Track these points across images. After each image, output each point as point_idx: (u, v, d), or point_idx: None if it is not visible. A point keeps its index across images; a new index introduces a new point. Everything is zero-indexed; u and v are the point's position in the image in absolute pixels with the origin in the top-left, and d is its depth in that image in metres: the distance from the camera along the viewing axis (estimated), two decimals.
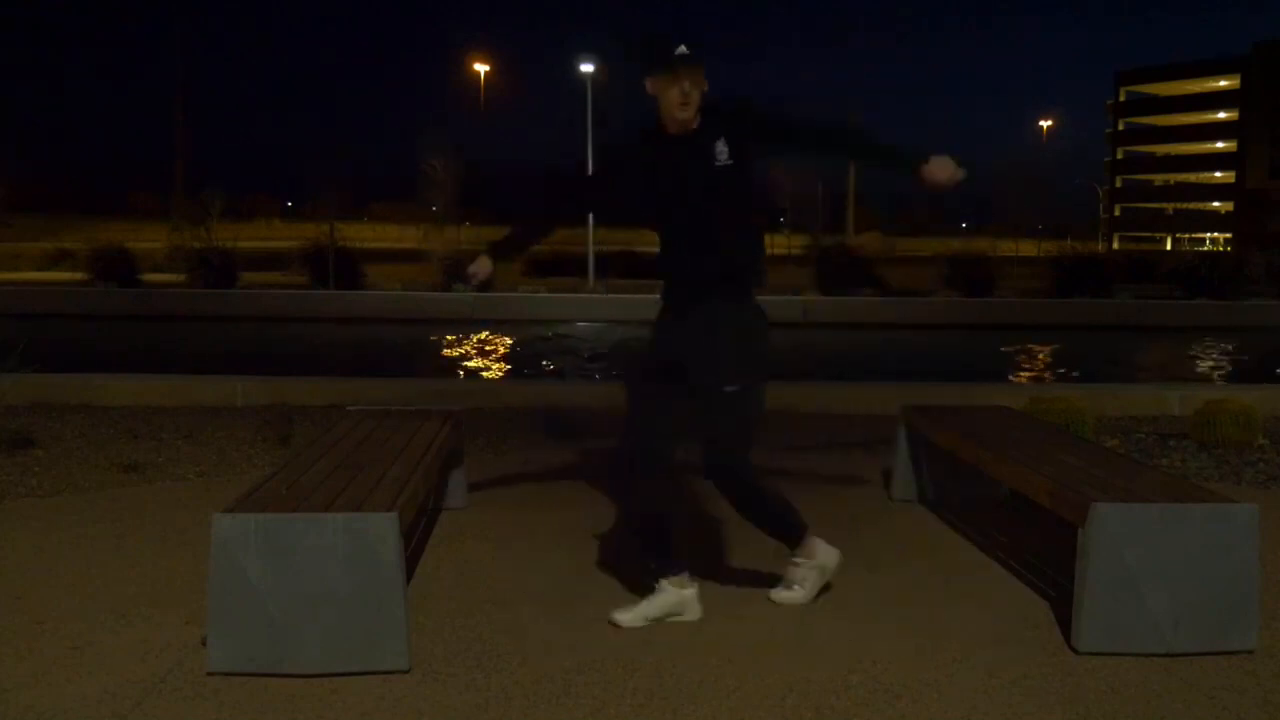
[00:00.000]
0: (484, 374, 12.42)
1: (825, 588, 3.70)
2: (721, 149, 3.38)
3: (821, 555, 3.67)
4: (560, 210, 3.89)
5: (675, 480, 3.68)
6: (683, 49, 3.32)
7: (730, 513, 4.76)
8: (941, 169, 3.36)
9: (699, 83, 3.36)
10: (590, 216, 19.87)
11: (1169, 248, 78.12)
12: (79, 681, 2.97)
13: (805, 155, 3.64)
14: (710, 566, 4.01)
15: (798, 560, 3.66)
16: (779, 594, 3.67)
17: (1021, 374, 13.13)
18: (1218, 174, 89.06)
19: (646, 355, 3.59)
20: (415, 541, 4.29)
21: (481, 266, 3.66)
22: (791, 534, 3.67)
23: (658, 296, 3.60)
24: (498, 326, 17.56)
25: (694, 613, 3.49)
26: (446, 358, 13.82)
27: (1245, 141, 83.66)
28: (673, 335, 3.51)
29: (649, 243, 3.85)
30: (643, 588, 3.54)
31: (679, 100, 3.34)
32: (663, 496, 3.53)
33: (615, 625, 3.40)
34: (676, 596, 3.47)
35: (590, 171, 3.61)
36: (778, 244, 32.31)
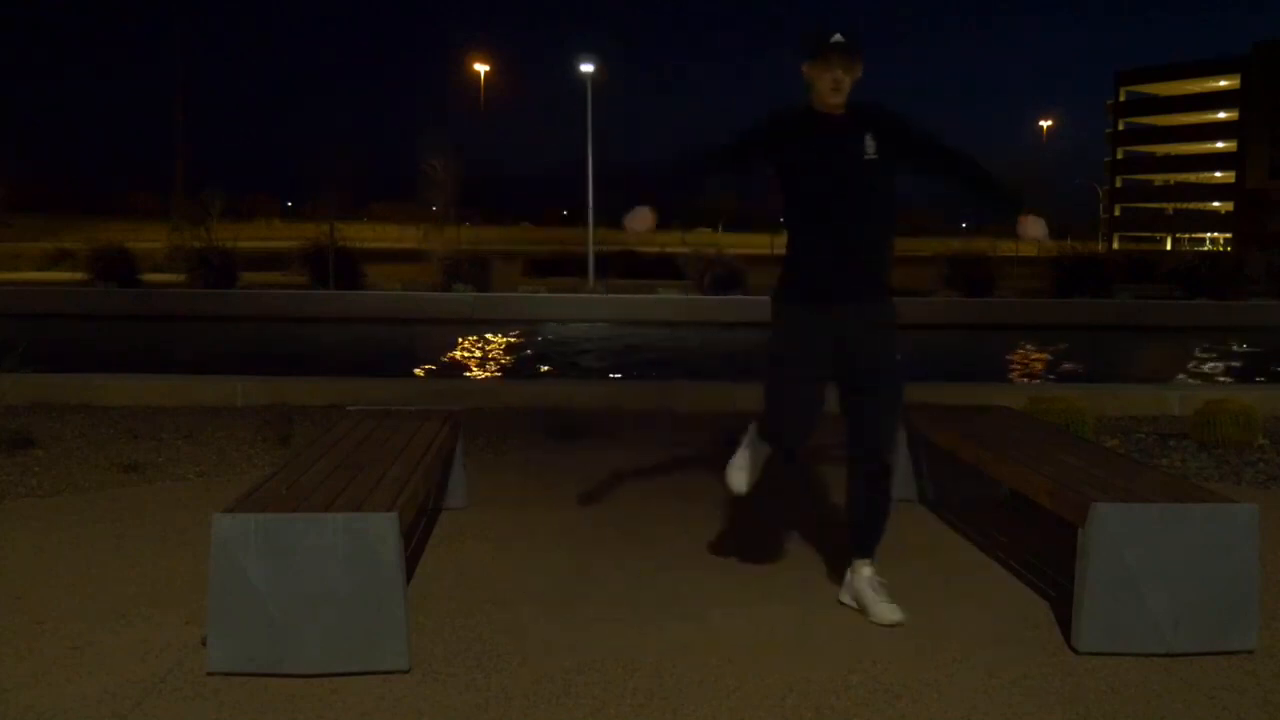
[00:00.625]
0: (484, 374, 12.42)
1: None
2: (870, 143, 3.45)
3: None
4: (705, 179, 3.87)
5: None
6: (838, 37, 3.39)
7: (729, 512, 4.76)
8: (1036, 227, 3.58)
9: (852, 70, 3.43)
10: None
11: (1169, 248, 78.11)
12: (79, 681, 2.97)
13: (926, 172, 3.65)
14: (710, 566, 4.02)
15: (867, 572, 3.61)
16: (885, 612, 3.50)
17: (1021, 374, 13.13)
18: (1218, 174, 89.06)
19: (794, 341, 3.55)
20: (415, 541, 4.29)
21: (642, 219, 3.57)
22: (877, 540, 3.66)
23: (777, 286, 3.62)
24: (498, 326, 17.56)
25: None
26: (446, 358, 13.82)
27: (1245, 141, 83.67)
28: (828, 324, 3.48)
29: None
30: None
31: (830, 86, 3.42)
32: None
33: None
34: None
35: (736, 143, 3.63)
36: (778, 244, 32.32)
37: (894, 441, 3.67)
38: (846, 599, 3.63)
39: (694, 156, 3.68)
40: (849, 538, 3.67)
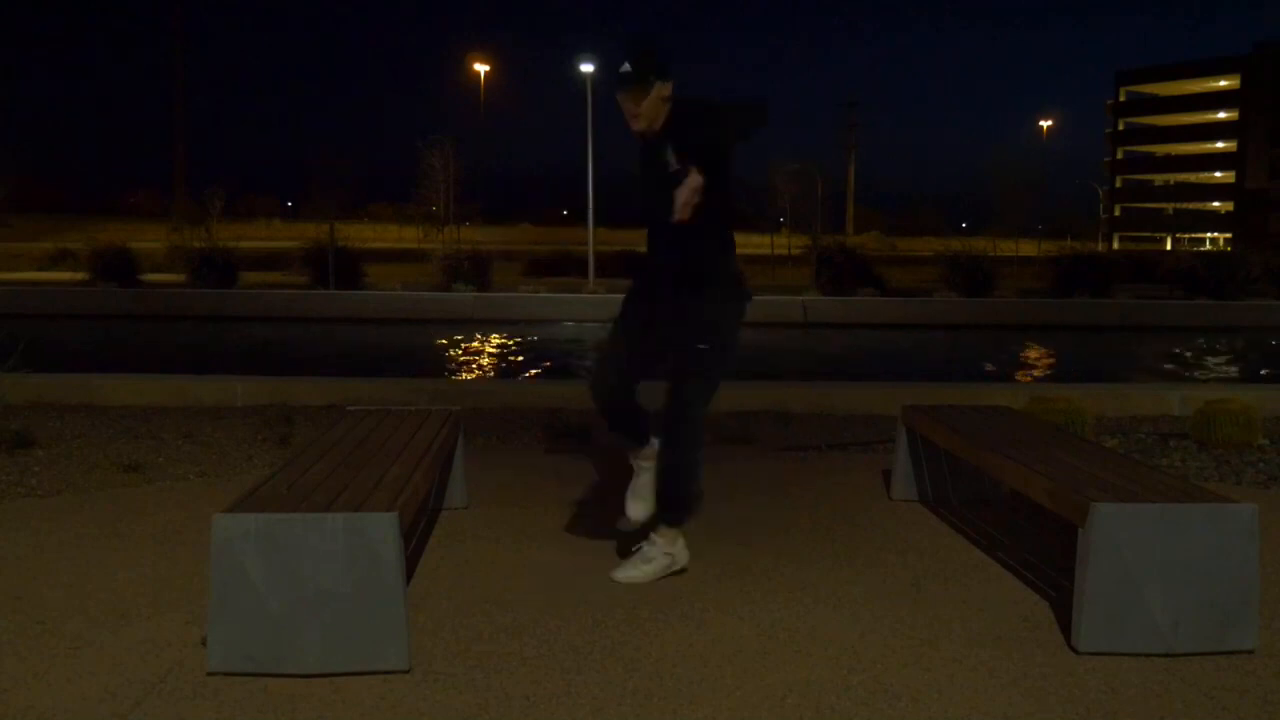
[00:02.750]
0: (484, 374, 12.42)
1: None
2: (670, 157, 3.58)
3: (681, 550, 3.88)
4: None
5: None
6: (626, 66, 3.53)
7: (730, 512, 4.76)
8: (692, 183, 3.55)
9: (638, 99, 3.58)
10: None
11: (1169, 248, 78.13)
12: (79, 681, 2.97)
13: (734, 141, 3.77)
14: (709, 566, 4.01)
15: (658, 540, 3.85)
16: (626, 573, 3.83)
17: (1021, 374, 13.13)
18: (1218, 174, 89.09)
19: (621, 324, 3.94)
20: (415, 541, 4.29)
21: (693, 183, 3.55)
22: (686, 511, 3.88)
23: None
24: (498, 326, 17.57)
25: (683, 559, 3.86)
26: (446, 357, 13.82)
27: (1245, 141, 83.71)
28: (648, 308, 3.85)
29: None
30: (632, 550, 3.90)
31: (629, 114, 3.63)
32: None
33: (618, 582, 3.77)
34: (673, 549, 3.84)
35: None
36: (778, 244, 32.32)
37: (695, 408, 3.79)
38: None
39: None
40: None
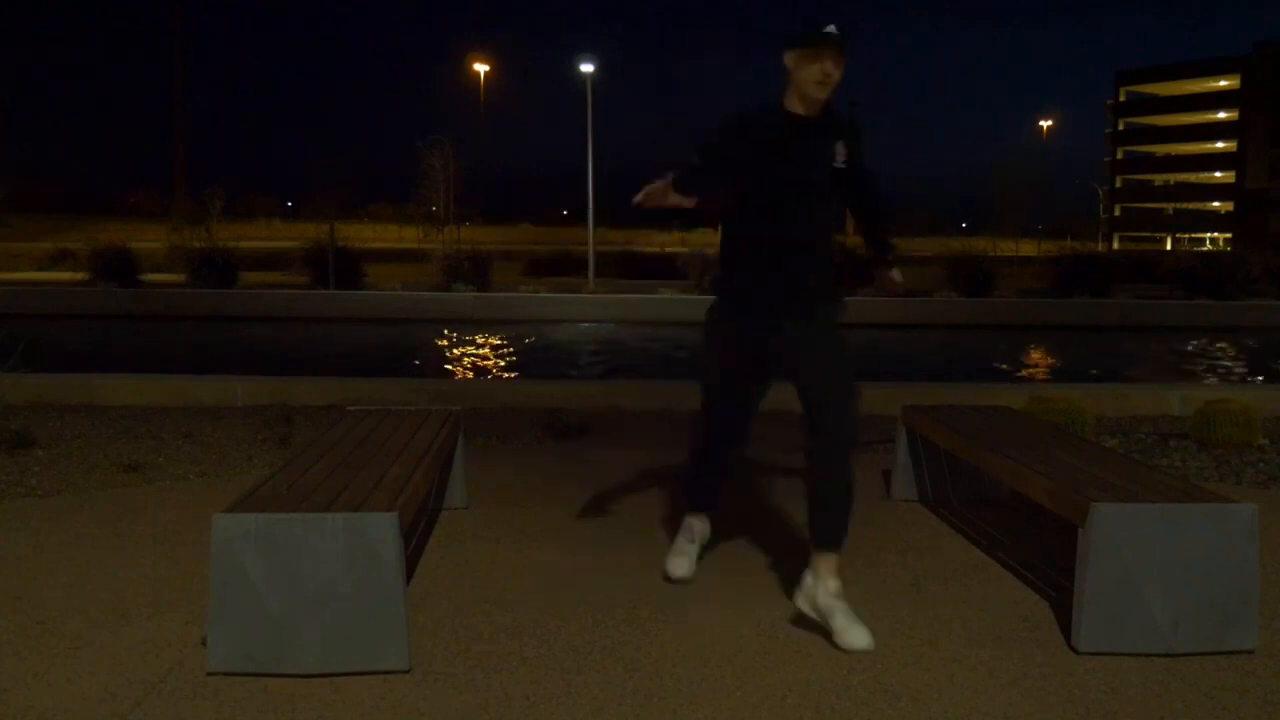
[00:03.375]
0: (484, 374, 12.42)
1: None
2: (840, 150, 3.43)
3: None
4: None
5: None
6: (832, 28, 3.30)
7: (730, 512, 4.76)
8: (895, 277, 3.78)
9: (840, 65, 3.33)
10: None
11: (1169, 248, 78.14)
12: (79, 681, 2.97)
13: (852, 196, 3.66)
14: (710, 566, 4.01)
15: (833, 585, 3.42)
16: (852, 638, 3.29)
17: (1021, 374, 13.13)
18: (1218, 174, 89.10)
19: (728, 348, 3.62)
20: (415, 541, 4.29)
21: (657, 189, 3.43)
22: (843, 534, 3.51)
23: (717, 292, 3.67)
24: (498, 326, 17.57)
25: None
26: (446, 357, 13.82)
27: (1245, 141, 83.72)
28: (767, 328, 3.51)
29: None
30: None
31: (818, 77, 3.31)
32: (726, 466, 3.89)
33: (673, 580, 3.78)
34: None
35: (703, 158, 3.50)
36: None
37: (855, 426, 3.60)
38: (806, 608, 3.39)
39: (690, 183, 3.49)
40: (811, 530, 3.49)
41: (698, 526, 3.96)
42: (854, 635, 3.25)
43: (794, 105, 3.40)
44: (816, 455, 3.51)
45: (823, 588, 3.37)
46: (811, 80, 3.32)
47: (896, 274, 3.80)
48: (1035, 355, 14.97)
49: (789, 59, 3.35)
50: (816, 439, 3.50)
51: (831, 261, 3.55)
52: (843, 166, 3.43)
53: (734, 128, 3.43)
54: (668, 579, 3.84)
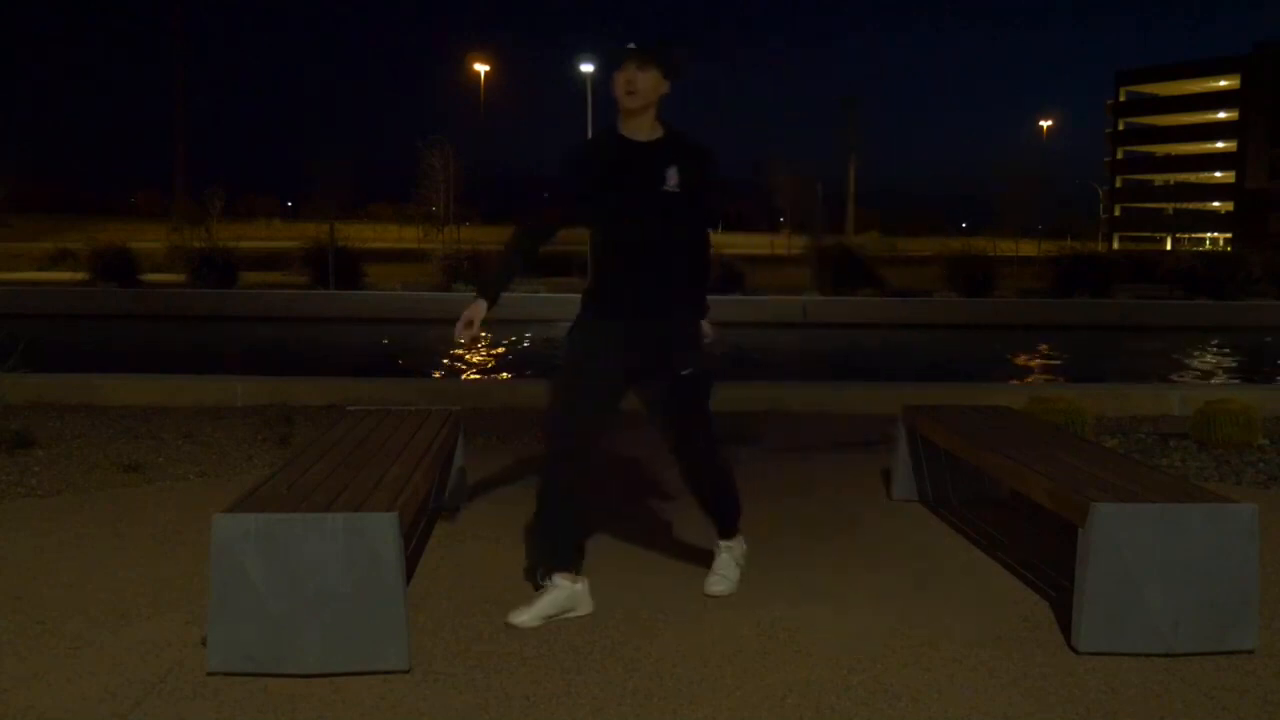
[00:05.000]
0: (483, 374, 12.42)
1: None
2: (673, 175, 3.50)
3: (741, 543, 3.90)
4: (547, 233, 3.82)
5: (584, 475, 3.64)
6: (632, 44, 3.47)
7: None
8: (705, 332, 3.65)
9: (643, 68, 3.45)
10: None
11: (1169, 248, 78.14)
12: (79, 681, 2.97)
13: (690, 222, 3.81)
14: (709, 566, 4.01)
15: (734, 548, 3.86)
16: (717, 586, 3.76)
17: (1021, 374, 13.13)
18: (1218, 174, 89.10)
19: (584, 350, 3.61)
20: (415, 541, 4.29)
21: (473, 319, 3.68)
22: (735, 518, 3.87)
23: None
24: (498, 326, 17.56)
25: (586, 607, 3.51)
26: (446, 357, 13.82)
27: (1245, 141, 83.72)
28: (621, 337, 3.56)
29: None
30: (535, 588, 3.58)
31: (623, 88, 3.48)
32: (577, 487, 3.55)
33: (512, 626, 3.39)
34: (568, 591, 3.48)
35: (560, 190, 3.72)
36: (777, 245, 32.32)
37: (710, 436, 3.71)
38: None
39: (535, 225, 3.74)
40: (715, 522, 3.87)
41: (722, 542, 3.90)
42: (710, 581, 3.76)
43: (626, 127, 3.55)
44: (683, 465, 3.73)
45: (720, 542, 3.85)
46: (620, 92, 3.50)
47: (706, 328, 3.67)
48: (1035, 355, 14.97)
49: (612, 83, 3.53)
50: (681, 453, 3.70)
51: (687, 273, 3.60)
52: (675, 191, 3.50)
53: (572, 159, 3.63)
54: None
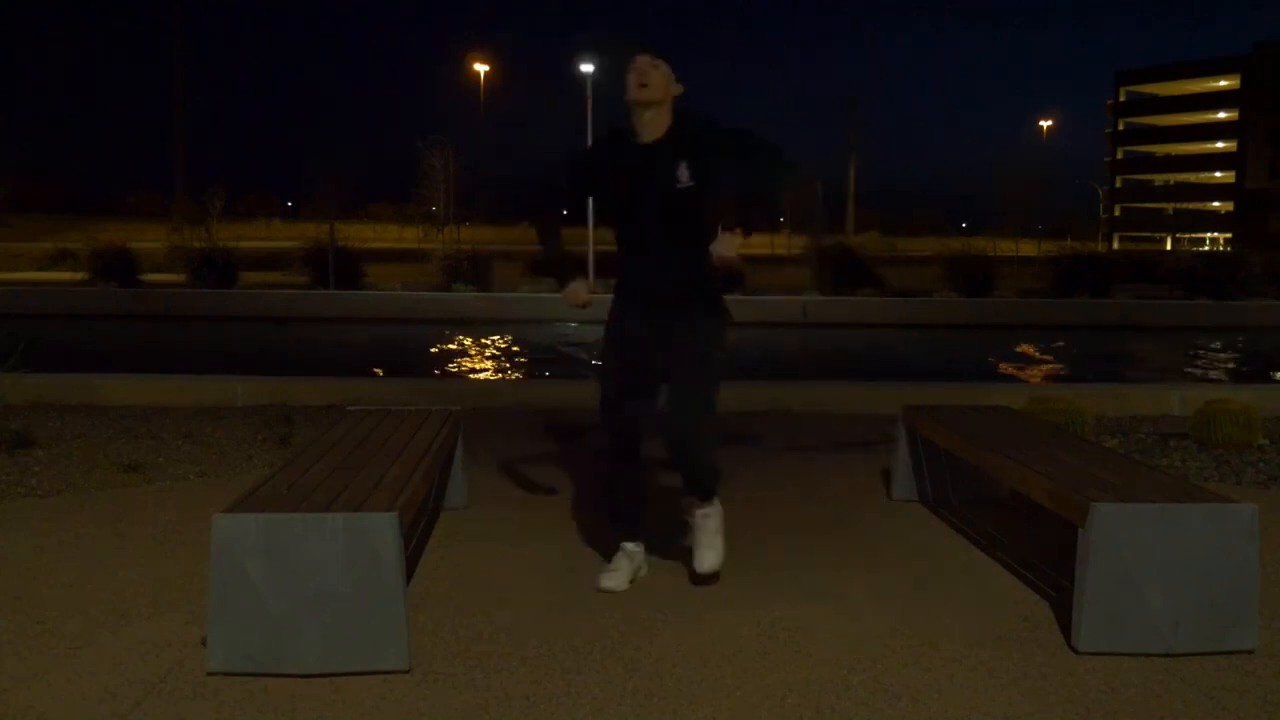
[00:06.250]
0: (484, 374, 12.42)
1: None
2: (684, 172, 3.54)
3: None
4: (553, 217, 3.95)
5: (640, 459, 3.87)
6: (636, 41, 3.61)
7: (730, 512, 4.76)
8: (725, 250, 3.65)
9: (657, 64, 3.54)
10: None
11: (1169, 248, 78.14)
12: (79, 681, 2.97)
13: (753, 177, 3.77)
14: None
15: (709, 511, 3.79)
16: (709, 559, 3.76)
17: (1021, 374, 13.13)
18: (1218, 174, 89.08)
19: (617, 344, 3.78)
20: (415, 541, 4.29)
21: (575, 294, 3.81)
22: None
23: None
24: (498, 326, 17.56)
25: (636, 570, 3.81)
26: (446, 357, 13.82)
27: (1245, 141, 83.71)
28: (643, 334, 3.72)
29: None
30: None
31: (639, 77, 3.54)
32: (634, 473, 3.84)
33: (604, 590, 3.68)
34: (640, 555, 3.83)
35: (566, 179, 3.88)
36: (777, 244, 32.32)
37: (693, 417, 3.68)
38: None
39: (547, 194, 3.86)
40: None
41: (634, 552, 3.90)
42: (700, 556, 3.75)
43: (637, 125, 3.61)
44: (670, 440, 3.71)
45: (696, 511, 3.78)
46: (633, 85, 3.56)
47: (730, 243, 3.63)
48: (1035, 355, 14.97)
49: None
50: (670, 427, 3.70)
51: (699, 270, 3.67)
52: (689, 186, 3.55)
53: (579, 160, 3.81)
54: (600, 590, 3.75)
